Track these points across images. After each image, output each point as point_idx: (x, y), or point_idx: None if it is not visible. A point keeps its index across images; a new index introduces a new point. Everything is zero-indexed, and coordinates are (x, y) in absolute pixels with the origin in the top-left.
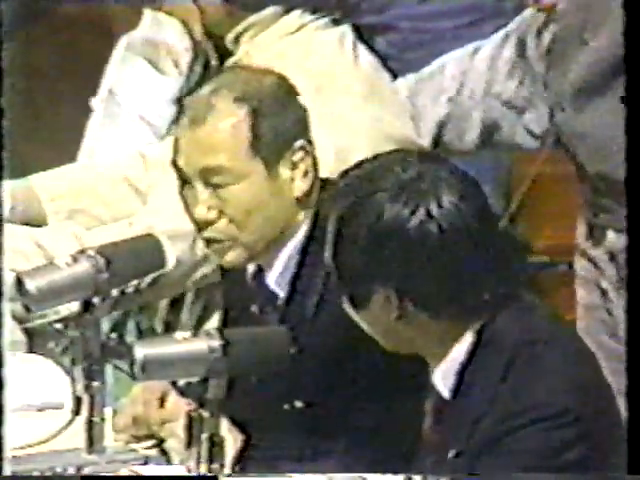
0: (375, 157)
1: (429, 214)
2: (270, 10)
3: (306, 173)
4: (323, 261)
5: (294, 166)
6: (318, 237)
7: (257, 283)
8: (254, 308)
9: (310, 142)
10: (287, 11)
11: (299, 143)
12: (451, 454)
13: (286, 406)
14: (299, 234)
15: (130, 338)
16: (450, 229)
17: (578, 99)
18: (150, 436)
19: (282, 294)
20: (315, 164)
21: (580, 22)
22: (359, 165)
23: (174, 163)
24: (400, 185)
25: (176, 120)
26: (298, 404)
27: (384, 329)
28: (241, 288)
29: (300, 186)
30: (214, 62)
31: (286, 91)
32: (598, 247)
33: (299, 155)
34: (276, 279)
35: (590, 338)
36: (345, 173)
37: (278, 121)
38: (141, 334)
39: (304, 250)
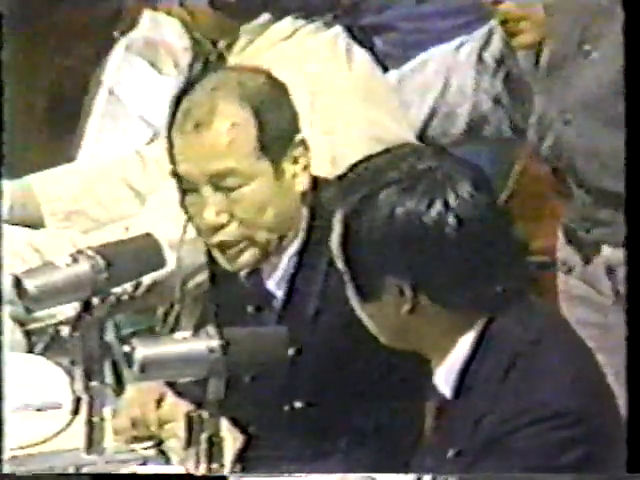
0: (384, 151)
1: (447, 205)
2: (260, 19)
3: (306, 167)
4: (322, 260)
5: (295, 161)
6: (316, 236)
7: (252, 284)
8: (250, 309)
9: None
10: (278, 18)
11: (299, 137)
12: (452, 453)
13: (286, 407)
14: (300, 233)
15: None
16: (467, 220)
17: (584, 113)
18: (149, 437)
19: (280, 294)
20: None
21: (578, 33)
22: (368, 159)
23: (174, 173)
24: (414, 176)
25: (171, 124)
26: (298, 404)
27: (392, 323)
28: (235, 290)
29: (303, 181)
30: (214, 61)
31: (278, 88)
32: (589, 264)
33: (300, 150)
34: (276, 280)
35: None
36: (353, 167)
37: (278, 118)
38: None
39: (302, 250)
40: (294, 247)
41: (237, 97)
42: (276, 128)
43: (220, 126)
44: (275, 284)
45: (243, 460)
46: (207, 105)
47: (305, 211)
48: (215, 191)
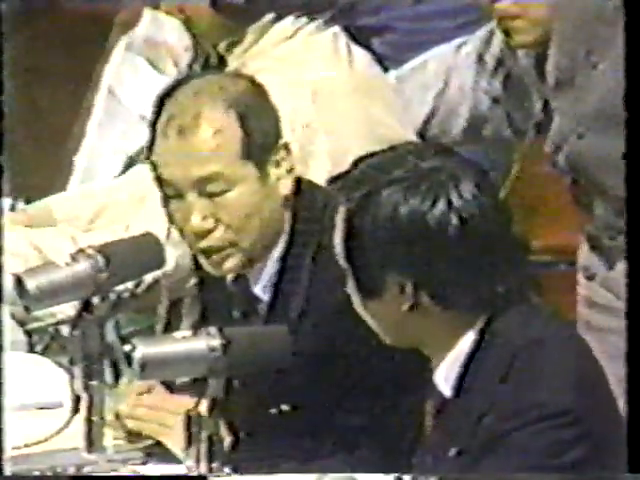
0: (388, 149)
1: (450, 204)
2: (264, 20)
3: (290, 170)
4: (306, 263)
5: (278, 165)
6: (300, 239)
7: (238, 289)
8: (237, 314)
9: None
10: (279, 18)
11: (281, 142)
12: (452, 453)
13: (273, 410)
14: (284, 237)
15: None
16: (470, 220)
17: (598, 124)
18: (129, 432)
19: (266, 298)
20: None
21: (584, 45)
22: (372, 156)
23: (157, 178)
24: (419, 175)
25: (154, 130)
26: (284, 407)
27: (393, 321)
28: (222, 294)
29: (286, 184)
30: (214, 62)
31: (259, 92)
32: (612, 270)
33: (282, 154)
34: (262, 284)
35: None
36: (357, 163)
37: (261, 122)
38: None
39: (286, 253)
40: (278, 251)
41: (221, 102)
42: (260, 133)
43: (205, 131)
44: (261, 289)
45: (235, 460)
46: (191, 110)
47: (288, 214)
48: (200, 196)
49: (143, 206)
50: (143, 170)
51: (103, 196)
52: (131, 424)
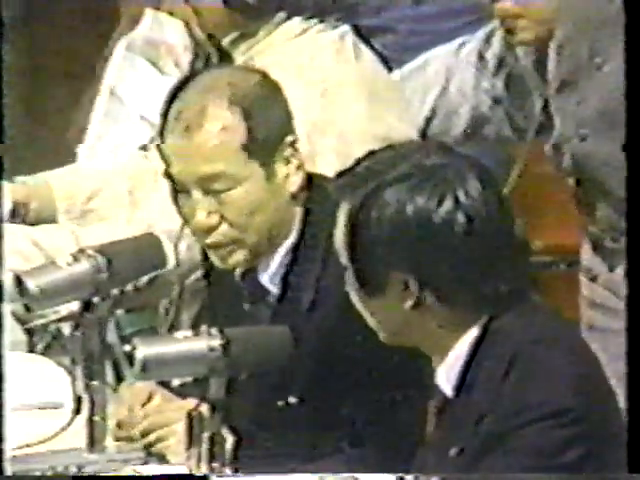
0: (390, 147)
1: (457, 202)
2: (276, 18)
3: (299, 167)
4: (316, 255)
5: (287, 162)
6: (310, 232)
7: (247, 281)
8: (246, 306)
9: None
10: (289, 17)
11: (289, 138)
12: (453, 452)
13: (280, 403)
14: (293, 232)
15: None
16: (476, 218)
17: (600, 126)
18: (132, 438)
19: (275, 290)
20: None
21: (588, 46)
22: (374, 154)
23: (166, 173)
24: (424, 172)
25: (163, 126)
26: (292, 400)
27: (395, 319)
28: (231, 286)
29: (295, 181)
30: (215, 61)
31: (271, 87)
32: (614, 271)
33: (290, 151)
34: (270, 277)
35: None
36: (360, 161)
37: (268, 119)
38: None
39: (296, 246)
40: (287, 245)
41: (227, 99)
42: (266, 130)
43: (209, 129)
44: (269, 280)
45: (236, 460)
46: (197, 108)
47: (299, 209)
48: (205, 194)
49: (134, 197)
50: (139, 159)
51: (101, 176)
52: (131, 433)
